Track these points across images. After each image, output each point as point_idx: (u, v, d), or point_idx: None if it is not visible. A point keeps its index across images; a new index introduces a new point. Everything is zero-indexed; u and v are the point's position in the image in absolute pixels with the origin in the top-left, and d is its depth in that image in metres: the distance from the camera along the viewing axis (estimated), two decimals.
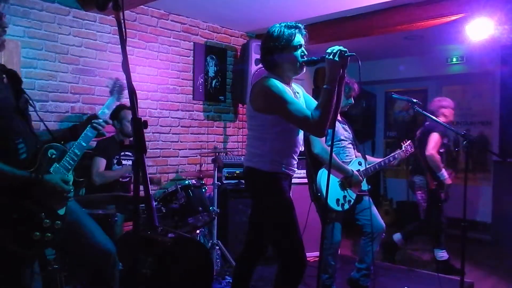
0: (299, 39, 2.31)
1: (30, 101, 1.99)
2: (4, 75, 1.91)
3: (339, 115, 3.35)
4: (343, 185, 3.20)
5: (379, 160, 3.51)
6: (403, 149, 3.76)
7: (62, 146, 2.00)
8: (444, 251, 4.26)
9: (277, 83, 2.25)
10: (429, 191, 4.24)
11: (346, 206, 3.20)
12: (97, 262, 2.09)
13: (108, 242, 2.13)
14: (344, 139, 3.30)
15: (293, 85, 2.46)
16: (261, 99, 2.29)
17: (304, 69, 2.37)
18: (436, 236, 4.25)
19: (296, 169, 2.49)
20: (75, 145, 2.04)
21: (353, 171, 3.18)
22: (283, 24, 2.33)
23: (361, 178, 3.21)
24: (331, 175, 3.10)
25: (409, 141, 3.80)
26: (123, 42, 1.38)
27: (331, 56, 2.14)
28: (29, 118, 2.00)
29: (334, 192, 3.14)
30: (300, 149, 2.52)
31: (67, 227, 1.95)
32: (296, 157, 2.45)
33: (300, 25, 2.35)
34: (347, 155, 3.29)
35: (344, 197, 3.18)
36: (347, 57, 2.14)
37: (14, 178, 1.79)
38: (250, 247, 2.64)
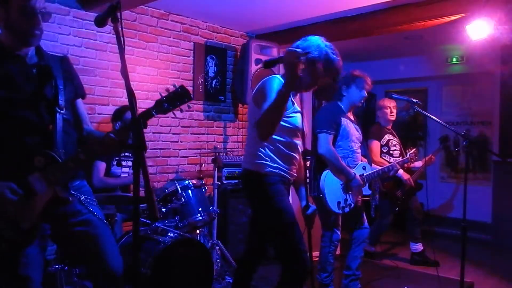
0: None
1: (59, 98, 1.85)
2: (34, 69, 1.86)
3: (351, 114, 3.34)
4: (346, 189, 3.16)
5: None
6: (408, 156, 3.76)
7: (56, 156, 1.77)
8: (419, 244, 4.40)
9: (274, 82, 2.22)
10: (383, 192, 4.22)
11: (346, 210, 3.16)
12: (101, 280, 1.97)
13: (118, 264, 1.96)
14: (355, 140, 3.25)
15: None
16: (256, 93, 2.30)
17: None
18: (409, 230, 4.41)
19: (295, 175, 2.43)
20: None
21: (354, 174, 3.12)
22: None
23: (361, 182, 3.14)
24: (335, 178, 3.11)
25: (414, 149, 3.80)
26: (121, 51, 1.40)
27: (290, 56, 1.98)
28: (56, 114, 1.83)
29: (336, 195, 3.11)
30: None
31: (82, 239, 1.88)
32: (295, 163, 2.39)
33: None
34: (354, 160, 3.23)
35: (346, 200, 3.14)
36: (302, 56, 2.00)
37: None
38: (251, 248, 2.63)
